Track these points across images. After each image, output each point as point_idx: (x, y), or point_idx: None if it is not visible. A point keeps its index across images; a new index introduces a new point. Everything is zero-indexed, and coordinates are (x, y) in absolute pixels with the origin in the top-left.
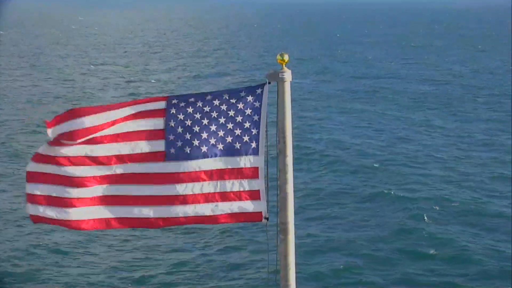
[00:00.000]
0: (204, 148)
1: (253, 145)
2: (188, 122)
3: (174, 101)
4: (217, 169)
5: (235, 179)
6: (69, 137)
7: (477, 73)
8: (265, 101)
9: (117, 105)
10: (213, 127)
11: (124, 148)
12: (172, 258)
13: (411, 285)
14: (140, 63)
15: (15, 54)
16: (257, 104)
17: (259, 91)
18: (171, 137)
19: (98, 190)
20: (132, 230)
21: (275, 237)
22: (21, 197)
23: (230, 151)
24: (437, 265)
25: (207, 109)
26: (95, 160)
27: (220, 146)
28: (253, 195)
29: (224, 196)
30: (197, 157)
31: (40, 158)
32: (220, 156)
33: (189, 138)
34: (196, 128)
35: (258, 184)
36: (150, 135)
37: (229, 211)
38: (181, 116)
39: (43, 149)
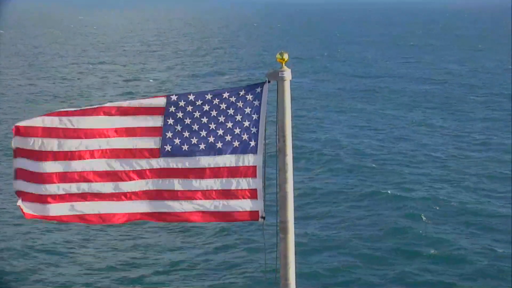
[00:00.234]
0: (202, 146)
1: (252, 143)
2: (187, 121)
3: (174, 99)
4: (215, 167)
5: (233, 177)
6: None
7: (474, 73)
8: (265, 100)
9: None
10: (212, 126)
11: (119, 143)
12: (170, 257)
13: (410, 285)
14: (139, 62)
15: (15, 53)
16: (256, 103)
17: (258, 90)
18: (169, 134)
19: (96, 186)
20: (130, 230)
21: (274, 236)
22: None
23: (229, 150)
24: (435, 265)
25: (206, 107)
26: (91, 155)
27: (219, 145)
28: (251, 193)
29: (222, 194)
30: (194, 154)
31: (33, 154)
32: (218, 154)
33: (187, 136)
34: (195, 126)
35: (256, 183)
36: (147, 131)
37: (225, 209)
38: (180, 114)
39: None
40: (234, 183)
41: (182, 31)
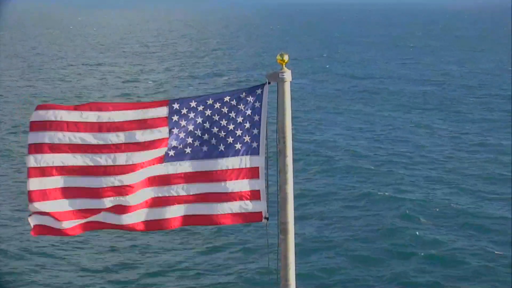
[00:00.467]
0: (205, 149)
1: (254, 145)
2: (190, 127)
3: (176, 107)
4: (217, 170)
5: (236, 179)
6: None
7: (473, 74)
8: (265, 101)
9: (117, 106)
10: (214, 130)
11: (128, 158)
12: (170, 257)
13: (407, 285)
14: (137, 63)
15: (14, 54)
16: (257, 104)
17: (259, 91)
18: (173, 142)
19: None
20: (129, 231)
21: (275, 237)
22: (16, 199)
23: (231, 152)
24: (433, 266)
25: (208, 112)
26: (98, 169)
27: (221, 147)
28: (254, 195)
29: (225, 196)
30: (197, 158)
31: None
32: (220, 156)
33: (191, 142)
34: (198, 132)
35: (259, 184)
36: (155, 144)
37: (229, 211)
38: (183, 123)
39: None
40: (238, 185)
41: (181, 32)
